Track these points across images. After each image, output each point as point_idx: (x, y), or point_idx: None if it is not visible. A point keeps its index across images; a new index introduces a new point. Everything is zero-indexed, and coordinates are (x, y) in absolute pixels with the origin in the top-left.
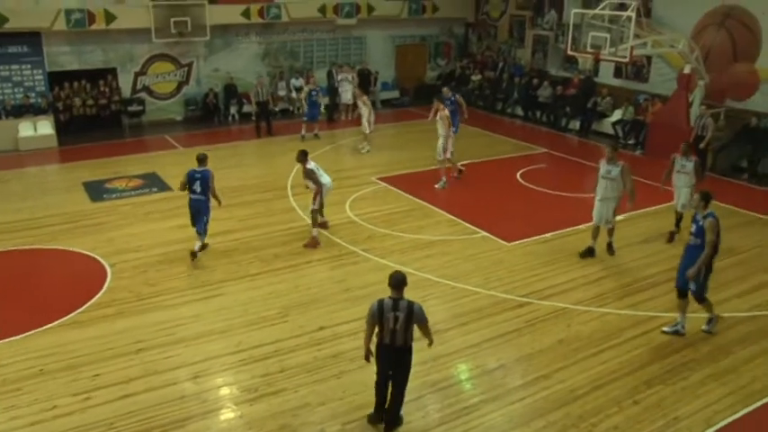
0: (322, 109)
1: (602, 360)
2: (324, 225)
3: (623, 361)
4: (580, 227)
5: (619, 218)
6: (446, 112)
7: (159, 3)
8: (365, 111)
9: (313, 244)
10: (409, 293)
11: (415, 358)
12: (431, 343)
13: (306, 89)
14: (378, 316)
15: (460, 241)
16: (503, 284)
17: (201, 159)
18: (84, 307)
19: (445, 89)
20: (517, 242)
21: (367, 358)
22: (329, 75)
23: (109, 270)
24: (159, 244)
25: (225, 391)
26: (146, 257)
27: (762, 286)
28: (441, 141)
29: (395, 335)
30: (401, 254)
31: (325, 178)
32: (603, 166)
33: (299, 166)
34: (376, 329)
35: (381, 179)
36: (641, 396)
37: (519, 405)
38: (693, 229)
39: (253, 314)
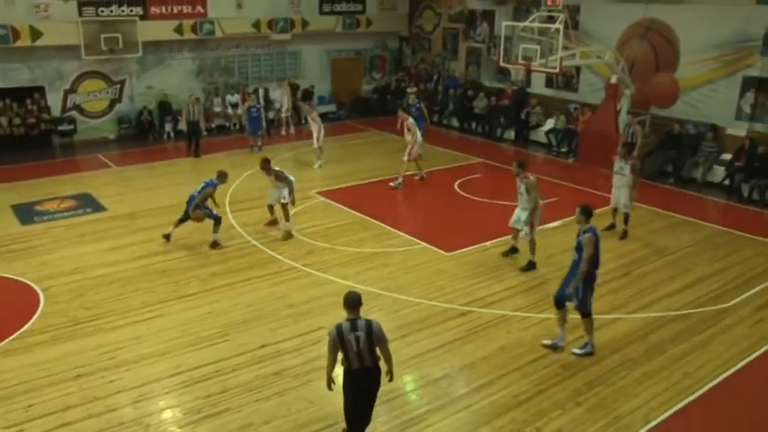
0: (263, 124)
1: (543, 364)
2: (274, 222)
3: (564, 364)
4: (519, 235)
5: (553, 224)
6: (410, 120)
7: (88, 19)
8: (314, 127)
9: (287, 236)
10: None
11: None
12: (390, 374)
13: (245, 105)
14: (338, 340)
15: (401, 253)
16: (444, 294)
17: (219, 174)
18: (15, 334)
19: (412, 96)
20: (457, 252)
21: (329, 386)
22: (255, 91)
23: (42, 295)
24: (95, 266)
25: (167, 414)
26: (81, 280)
27: (691, 285)
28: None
29: (362, 356)
30: (342, 267)
31: (291, 176)
32: (517, 182)
33: (238, 182)
34: (340, 356)
35: (321, 193)
36: (583, 398)
37: (465, 413)
38: (576, 243)
39: (192, 334)
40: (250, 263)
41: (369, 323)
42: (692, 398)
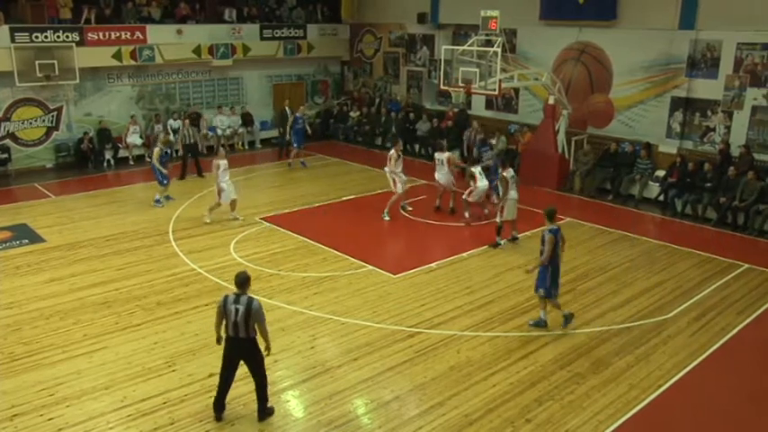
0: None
1: (493, 383)
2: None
3: (513, 382)
4: (463, 255)
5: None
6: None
7: (22, 44)
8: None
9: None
10: (299, 332)
11: (308, 397)
12: (267, 349)
13: (156, 150)
14: (222, 308)
15: (347, 277)
16: (392, 317)
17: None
18: None
19: (301, 108)
20: (403, 274)
21: (218, 341)
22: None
23: None
24: (32, 299)
25: None
26: (18, 314)
27: (632, 299)
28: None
29: (237, 327)
30: (289, 293)
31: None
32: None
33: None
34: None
35: (265, 219)
36: (533, 414)
37: None
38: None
39: (138, 366)
40: (196, 291)
41: (250, 300)
42: (637, 408)
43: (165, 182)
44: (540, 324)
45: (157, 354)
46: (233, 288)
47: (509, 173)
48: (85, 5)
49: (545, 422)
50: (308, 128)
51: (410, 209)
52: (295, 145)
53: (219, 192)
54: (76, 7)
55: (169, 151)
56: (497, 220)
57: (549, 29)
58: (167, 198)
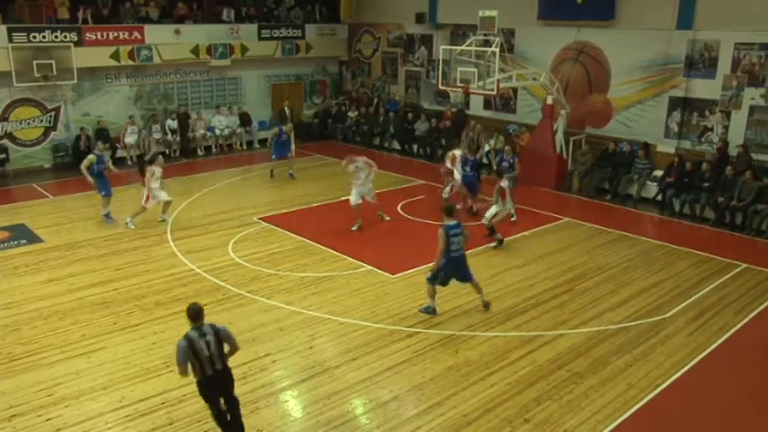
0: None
1: (491, 383)
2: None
3: (512, 381)
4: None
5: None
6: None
7: (19, 44)
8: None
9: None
10: (297, 332)
11: (307, 397)
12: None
13: (90, 156)
14: (189, 348)
15: (345, 277)
16: (390, 316)
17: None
18: None
19: (286, 126)
20: (401, 274)
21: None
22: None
23: None
24: (31, 299)
25: None
26: (17, 315)
27: (630, 298)
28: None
29: (212, 360)
30: (287, 293)
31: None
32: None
33: (179, 210)
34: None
35: (263, 219)
36: (531, 414)
37: None
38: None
39: (136, 366)
40: (194, 291)
41: (213, 326)
42: (635, 408)
43: (104, 192)
44: (429, 311)
45: (156, 354)
46: (233, 287)
47: (505, 182)
48: (83, 5)
49: (543, 422)
50: (292, 145)
51: (387, 218)
52: (273, 156)
53: (147, 197)
54: (74, 7)
55: (104, 161)
56: (486, 222)
57: (548, 29)
58: (108, 217)
